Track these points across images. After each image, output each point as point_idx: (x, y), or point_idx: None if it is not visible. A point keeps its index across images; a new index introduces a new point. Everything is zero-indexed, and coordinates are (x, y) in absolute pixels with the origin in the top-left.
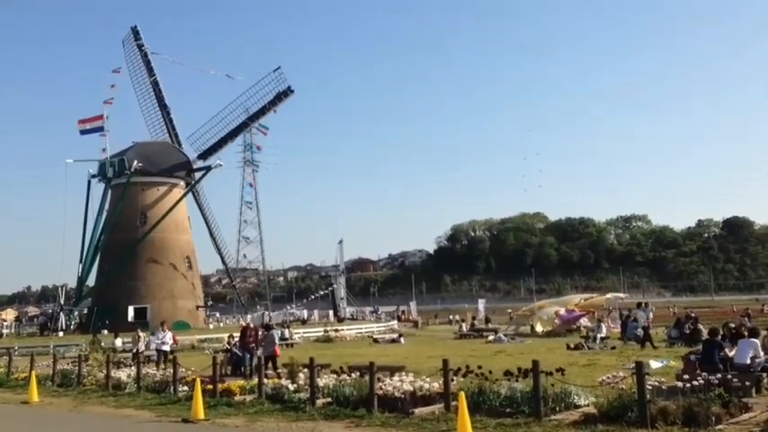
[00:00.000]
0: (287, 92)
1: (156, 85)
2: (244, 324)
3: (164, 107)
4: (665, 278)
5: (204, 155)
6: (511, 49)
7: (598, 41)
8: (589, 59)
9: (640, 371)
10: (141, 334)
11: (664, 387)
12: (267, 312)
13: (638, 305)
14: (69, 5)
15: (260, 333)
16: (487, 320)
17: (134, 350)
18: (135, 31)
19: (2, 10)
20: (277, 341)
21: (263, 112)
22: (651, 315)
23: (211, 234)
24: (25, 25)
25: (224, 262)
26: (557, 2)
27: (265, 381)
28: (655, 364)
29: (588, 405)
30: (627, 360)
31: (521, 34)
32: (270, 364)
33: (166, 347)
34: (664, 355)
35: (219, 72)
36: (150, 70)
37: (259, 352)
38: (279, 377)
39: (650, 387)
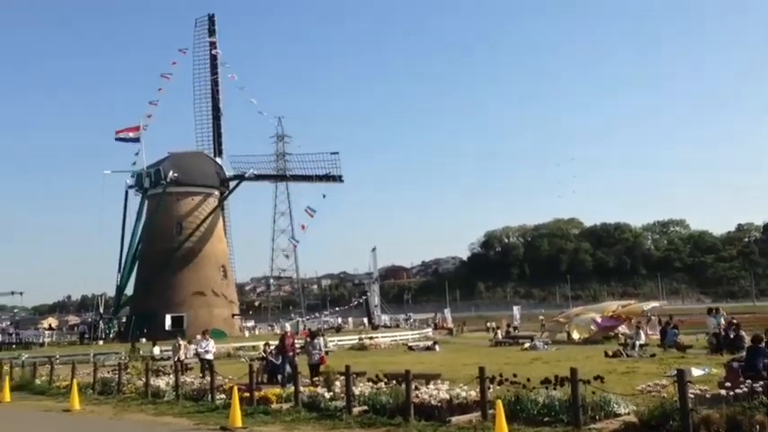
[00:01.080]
0: (336, 178)
1: (215, 84)
2: (281, 332)
3: (216, 110)
4: (704, 284)
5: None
6: (548, 57)
7: (632, 48)
8: (623, 67)
9: (682, 378)
10: (182, 342)
11: (706, 395)
12: (301, 320)
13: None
14: (117, 17)
15: (305, 340)
16: (515, 328)
17: (175, 359)
18: (211, 20)
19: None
20: (323, 349)
21: (306, 179)
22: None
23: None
24: (65, 35)
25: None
26: (583, 9)
27: (302, 389)
28: (696, 372)
29: (628, 414)
30: (667, 368)
31: (557, 43)
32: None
33: (210, 356)
34: (705, 362)
35: (274, 119)
36: (214, 67)
37: (297, 359)
38: (314, 385)
39: (692, 395)
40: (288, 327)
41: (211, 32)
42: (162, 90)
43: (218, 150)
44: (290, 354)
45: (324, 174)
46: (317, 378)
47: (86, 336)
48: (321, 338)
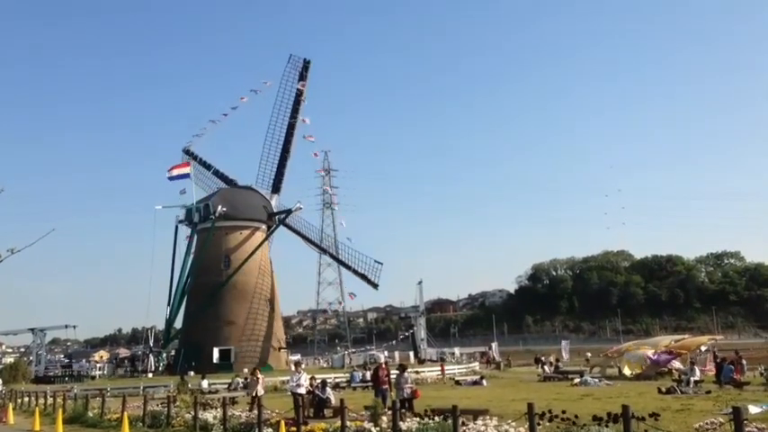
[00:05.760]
0: (306, 66)
1: (291, 128)
2: (377, 363)
3: (286, 151)
4: (761, 318)
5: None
6: (593, 91)
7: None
8: (671, 102)
9: (738, 416)
10: (260, 375)
11: None
12: (347, 353)
13: None
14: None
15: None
16: (556, 361)
17: (253, 393)
18: (306, 65)
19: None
20: (411, 383)
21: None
22: None
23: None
24: (120, 70)
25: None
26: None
27: (348, 423)
28: (753, 410)
29: None
30: (723, 405)
31: (601, 78)
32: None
33: (302, 390)
34: (763, 399)
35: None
36: (295, 111)
37: (393, 394)
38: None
39: None
40: (382, 357)
41: (302, 77)
42: (226, 115)
43: (277, 188)
44: (384, 387)
45: (363, 274)
46: (410, 413)
47: (119, 368)
48: (367, 373)
